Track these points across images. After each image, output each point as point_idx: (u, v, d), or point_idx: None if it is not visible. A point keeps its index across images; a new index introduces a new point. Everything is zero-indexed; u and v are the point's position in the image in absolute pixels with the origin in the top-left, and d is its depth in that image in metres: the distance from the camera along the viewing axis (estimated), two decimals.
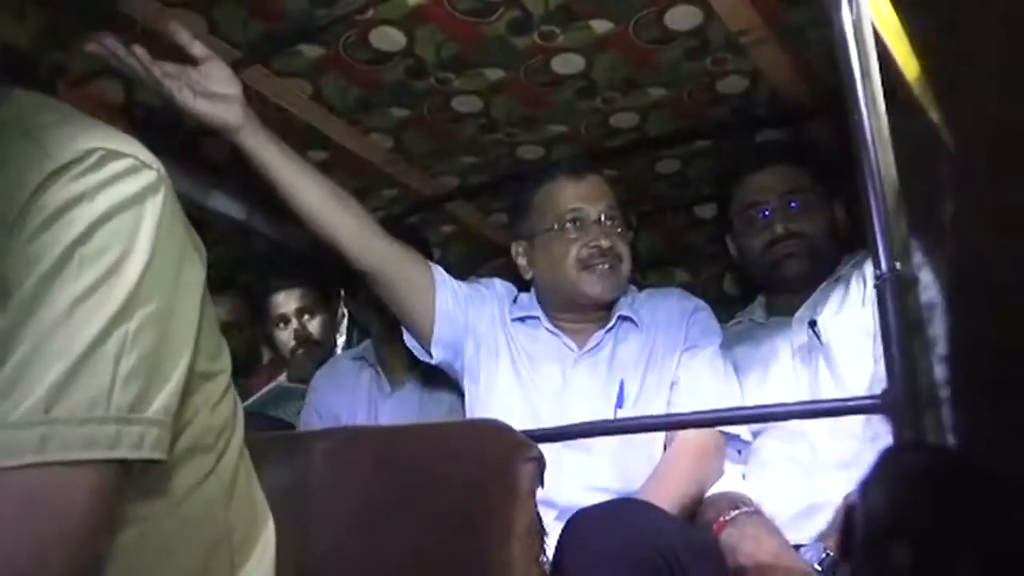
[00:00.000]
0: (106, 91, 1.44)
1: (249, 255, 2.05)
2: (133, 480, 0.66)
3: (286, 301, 2.13)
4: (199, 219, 1.64)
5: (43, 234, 0.62)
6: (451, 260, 2.13)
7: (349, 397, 1.78)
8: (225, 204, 1.70)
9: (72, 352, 0.61)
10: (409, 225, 1.93)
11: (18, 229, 0.63)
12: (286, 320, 2.13)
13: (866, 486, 0.51)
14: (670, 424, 1.23)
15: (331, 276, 2.08)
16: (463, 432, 0.98)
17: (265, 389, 1.91)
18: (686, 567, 0.92)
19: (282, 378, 1.93)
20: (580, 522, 0.97)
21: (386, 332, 1.75)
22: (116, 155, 0.66)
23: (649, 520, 0.98)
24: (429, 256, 1.87)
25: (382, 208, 1.96)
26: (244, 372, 2.24)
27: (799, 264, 1.48)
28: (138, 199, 0.67)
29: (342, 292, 2.09)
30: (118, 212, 0.65)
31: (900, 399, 0.73)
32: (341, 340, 2.10)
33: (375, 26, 1.36)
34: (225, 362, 0.81)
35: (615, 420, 1.33)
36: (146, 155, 0.70)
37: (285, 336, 2.13)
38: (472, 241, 2.08)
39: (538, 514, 0.88)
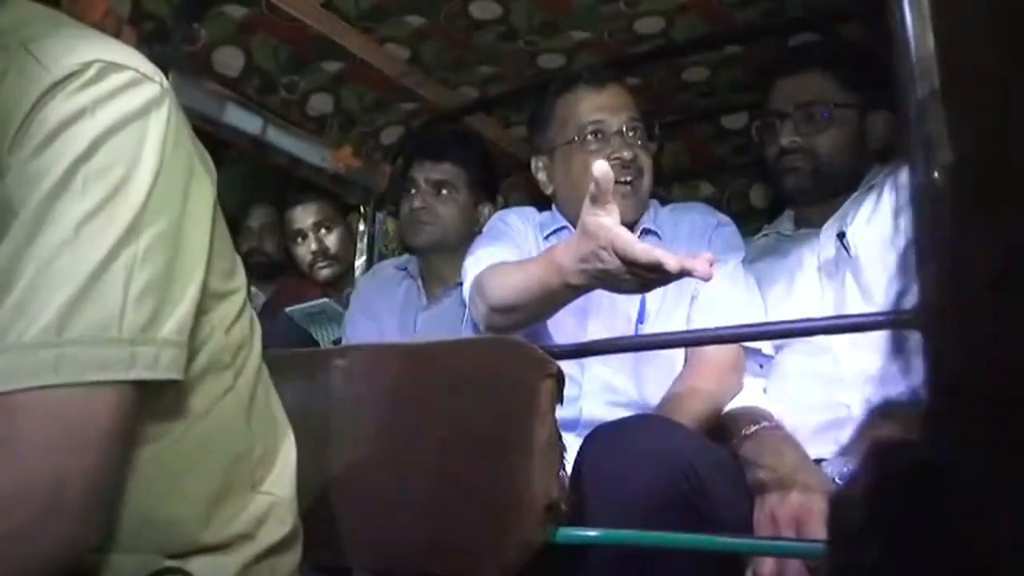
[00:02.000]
0: (113, 2, 1.39)
1: (268, 170, 2.03)
2: (150, 400, 0.66)
3: (303, 215, 2.12)
4: (215, 135, 1.63)
5: (44, 152, 0.61)
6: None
7: (389, 303, 1.79)
8: (240, 118, 1.66)
9: (80, 273, 0.60)
10: (489, 160, 1.87)
11: (18, 146, 0.61)
12: (303, 235, 2.12)
13: (847, 481, 0.50)
14: (692, 340, 1.21)
15: (348, 189, 2.06)
16: (484, 349, 0.98)
17: (315, 302, 1.91)
18: (705, 481, 0.93)
19: (325, 300, 1.92)
20: (599, 437, 0.97)
21: (435, 248, 1.76)
22: (116, 68, 0.64)
23: (668, 435, 0.98)
24: (493, 198, 1.85)
25: (400, 122, 1.92)
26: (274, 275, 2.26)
27: (800, 179, 1.42)
28: (141, 113, 0.64)
29: (361, 208, 2.07)
30: (121, 127, 0.63)
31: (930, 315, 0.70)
32: (360, 260, 2.08)
33: None
34: (240, 280, 0.80)
35: (636, 336, 1.32)
36: (148, 67, 0.67)
37: (303, 251, 2.12)
38: (493, 155, 2.04)
39: (557, 429, 0.88)
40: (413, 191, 1.78)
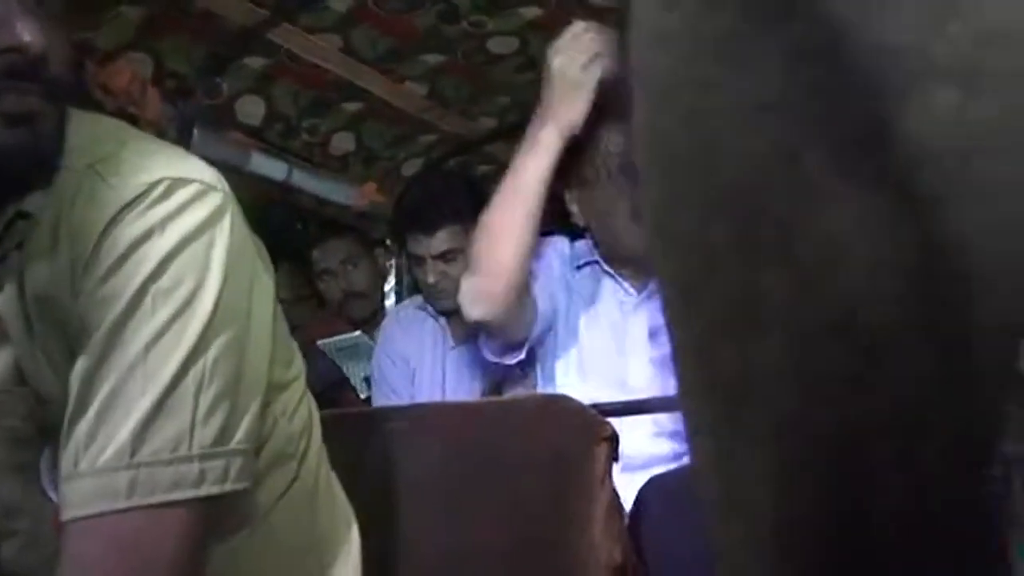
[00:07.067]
0: (136, 64, 1.41)
1: (295, 213, 2.03)
2: (219, 506, 0.66)
3: (329, 253, 2.09)
4: (240, 184, 1.64)
5: (116, 273, 0.62)
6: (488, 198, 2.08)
7: (417, 344, 1.77)
8: (265, 165, 1.67)
9: (152, 392, 0.61)
10: (479, 195, 1.81)
11: (91, 269, 0.62)
12: (330, 272, 2.09)
13: None
14: None
15: (375, 226, 2.06)
16: (536, 410, 0.97)
17: (348, 335, 1.90)
18: None
19: (358, 333, 1.91)
20: (659, 488, 0.96)
21: None
22: (182, 183, 0.65)
23: None
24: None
25: (421, 154, 1.92)
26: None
27: None
28: (207, 225, 0.65)
29: (387, 242, 2.07)
30: (189, 243, 0.64)
31: None
32: (390, 289, 2.08)
33: None
34: (299, 367, 0.81)
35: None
36: (210, 176, 0.68)
37: (330, 289, 2.10)
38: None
39: (616, 494, 0.88)
40: (421, 264, 1.71)
